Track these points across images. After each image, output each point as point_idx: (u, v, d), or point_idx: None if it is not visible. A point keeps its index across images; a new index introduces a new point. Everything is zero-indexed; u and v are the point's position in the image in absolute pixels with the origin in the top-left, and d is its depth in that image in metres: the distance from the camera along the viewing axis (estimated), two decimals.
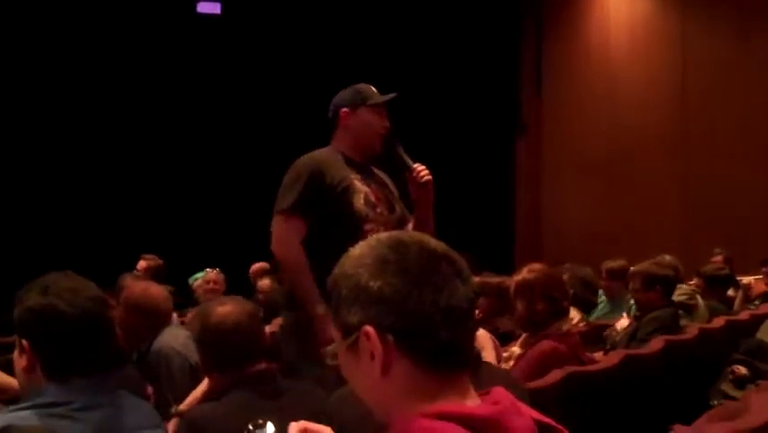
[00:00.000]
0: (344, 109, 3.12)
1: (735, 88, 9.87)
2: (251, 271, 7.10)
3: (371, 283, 1.10)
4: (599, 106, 11.07)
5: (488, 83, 11.17)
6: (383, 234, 1.19)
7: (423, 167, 3.04)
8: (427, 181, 3.03)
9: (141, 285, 3.73)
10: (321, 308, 2.74)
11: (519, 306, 3.21)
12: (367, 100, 3.10)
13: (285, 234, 2.97)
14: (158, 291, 3.59)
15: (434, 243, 1.16)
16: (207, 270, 6.34)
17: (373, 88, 3.16)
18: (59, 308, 1.76)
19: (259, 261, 7.03)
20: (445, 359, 1.10)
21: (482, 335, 3.53)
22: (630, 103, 10.71)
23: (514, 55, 11.89)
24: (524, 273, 3.26)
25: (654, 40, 10.75)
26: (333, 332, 1.17)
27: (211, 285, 6.17)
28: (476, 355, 2.31)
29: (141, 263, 6.69)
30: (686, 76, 10.31)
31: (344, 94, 3.16)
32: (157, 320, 3.47)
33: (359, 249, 1.16)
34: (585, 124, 11.25)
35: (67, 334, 1.77)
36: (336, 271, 1.16)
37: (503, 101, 11.71)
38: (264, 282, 6.23)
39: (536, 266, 3.32)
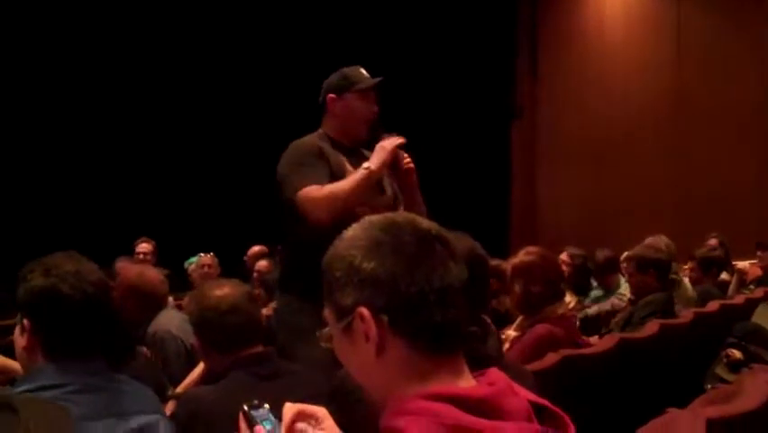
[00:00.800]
0: (331, 95, 3.09)
1: (729, 74, 9.87)
2: (248, 254, 7.09)
3: (365, 265, 1.10)
4: (595, 90, 11.06)
5: (483, 67, 11.13)
6: (376, 216, 1.18)
7: (404, 154, 3.02)
8: (409, 170, 3.00)
9: (137, 268, 3.73)
10: (365, 166, 2.85)
11: (516, 288, 3.22)
12: (353, 85, 3.05)
13: (312, 201, 2.85)
14: (153, 275, 3.59)
15: (426, 224, 1.16)
16: (201, 254, 6.33)
17: (362, 70, 3.11)
18: (62, 290, 1.76)
19: (254, 244, 7.03)
20: (440, 339, 1.10)
21: None
22: (625, 87, 10.71)
23: (510, 39, 11.85)
24: (521, 256, 3.25)
25: (649, 24, 10.73)
26: (327, 314, 1.17)
27: (205, 269, 6.17)
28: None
29: (146, 246, 6.65)
30: (681, 60, 10.30)
31: (332, 79, 3.11)
32: (153, 303, 3.48)
33: (352, 231, 1.16)
34: (580, 108, 11.24)
35: (68, 316, 1.77)
36: (330, 253, 1.16)
37: (499, 85, 11.68)
38: (261, 264, 6.24)
39: (533, 249, 3.31)
